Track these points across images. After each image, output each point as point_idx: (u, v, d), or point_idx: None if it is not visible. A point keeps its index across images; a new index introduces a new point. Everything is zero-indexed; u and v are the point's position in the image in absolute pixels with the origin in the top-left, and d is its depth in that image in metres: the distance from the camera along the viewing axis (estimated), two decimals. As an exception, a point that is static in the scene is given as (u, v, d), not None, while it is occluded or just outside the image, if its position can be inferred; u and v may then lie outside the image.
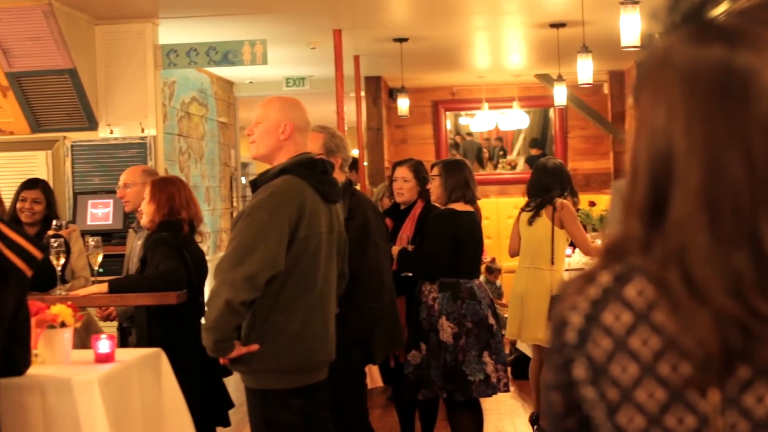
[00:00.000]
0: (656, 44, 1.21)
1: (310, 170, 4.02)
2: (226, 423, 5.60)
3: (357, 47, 10.57)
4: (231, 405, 5.53)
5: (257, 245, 3.82)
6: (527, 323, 6.78)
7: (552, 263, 6.83)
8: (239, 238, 3.87)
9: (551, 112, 14.41)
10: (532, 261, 6.87)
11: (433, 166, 6.18)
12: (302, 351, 3.97)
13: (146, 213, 5.30)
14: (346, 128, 9.22)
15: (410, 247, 6.03)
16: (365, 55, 11.08)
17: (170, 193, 5.32)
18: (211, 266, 5.43)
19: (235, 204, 12.83)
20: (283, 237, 3.86)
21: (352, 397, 5.05)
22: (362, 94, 12.11)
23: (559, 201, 6.82)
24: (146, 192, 5.35)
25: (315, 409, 4.04)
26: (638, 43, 6.94)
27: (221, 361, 4.01)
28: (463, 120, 14.85)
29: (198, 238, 5.46)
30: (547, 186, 6.83)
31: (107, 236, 7.22)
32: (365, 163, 12.77)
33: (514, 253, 7.04)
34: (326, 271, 4.05)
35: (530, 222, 6.85)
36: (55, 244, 5.11)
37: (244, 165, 15.91)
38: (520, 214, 7.00)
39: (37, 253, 3.29)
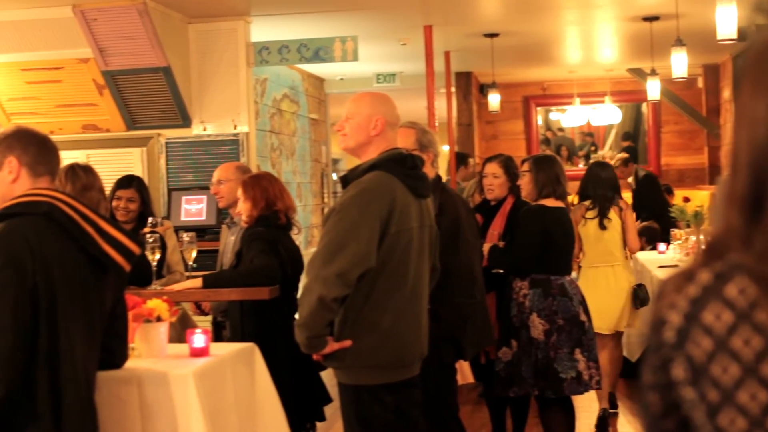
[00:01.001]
0: (757, 36, 1.18)
1: (400, 166, 4.02)
2: (321, 418, 5.63)
3: (448, 43, 10.56)
4: (328, 400, 5.55)
5: (348, 242, 3.83)
6: (603, 315, 7.14)
7: (625, 258, 7.48)
8: (330, 235, 3.88)
9: (644, 107, 14.23)
10: (606, 259, 7.33)
11: (523, 162, 6.14)
12: (394, 347, 3.97)
13: (244, 211, 5.36)
14: (436, 124, 9.21)
15: (501, 244, 6.00)
16: (456, 50, 11.06)
17: (263, 187, 5.37)
18: (304, 261, 5.48)
19: (326, 200, 12.89)
20: (374, 233, 3.87)
21: (443, 393, 5.04)
22: (453, 89, 12.08)
23: (622, 201, 7.44)
24: (239, 192, 5.40)
25: (407, 405, 4.04)
26: (734, 36, 6.82)
27: (314, 357, 4.03)
28: (554, 115, 14.74)
29: (294, 231, 5.51)
30: (601, 191, 7.32)
31: (201, 232, 7.31)
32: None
33: (575, 254, 7.15)
34: (418, 267, 4.04)
35: (601, 224, 7.25)
36: (151, 240, 5.19)
37: (335, 161, 15.99)
38: (577, 215, 7.22)
39: (135, 248, 3.35)
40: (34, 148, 3.35)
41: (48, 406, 3.11)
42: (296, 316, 4.12)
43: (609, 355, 7.47)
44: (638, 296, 7.29)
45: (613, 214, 7.29)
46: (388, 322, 3.93)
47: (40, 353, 3.10)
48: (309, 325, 3.86)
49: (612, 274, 7.34)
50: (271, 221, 5.30)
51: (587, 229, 7.30)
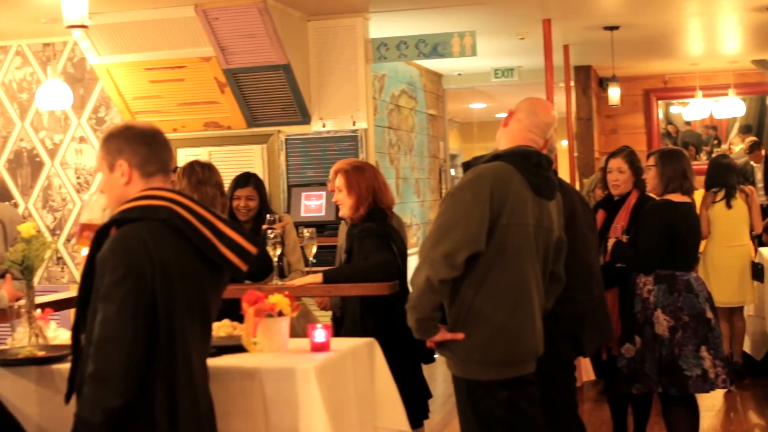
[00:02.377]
0: None
1: (524, 160, 3.99)
2: (427, 413, 5.62)
3: (566, 36, 10.45)
4: (429, 395, 5.56)
5: (457, 224, 3.83)
6: (726, 289, 8.32)
7: (750, 239, 8.54)
8: (441, 219, 3.91)
9: (768, 99, 13.90)
10: (730, 239, 8.40)
11: (649, 156, 6.03)
12: (507, 342, 3.93)
13: (347, 206, 5.34)
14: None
15: (624, 238, 5.90)
16: (575, 44, 10.94)
17: (369, 181, 5.36)
18: (417, 258, 5.47)
19: (443, 195, 12.87)
20: (484, 218, 3.85)
21: (562, 390, 4.97)
22: (572, 84, 11.95)
23: (748, 187, 8.58)
24: (341, 183, 5.38)
25: (524, 402, 4.00)
26: None
27: (428, 344, 4.02)
28: (675, 108, 14.48)
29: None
30: (726, 178, 8.43)
31: (320, 228, 7.35)
32: (575, 154, 12.60)
33: (705, 236, 8.29)
34: (531, 263, 4.00)
35: (728, 203, 8.36)
36: (272, 236, 5.24)
37: (453, 157, 15.95)
38: (707, 202, 8.41)
39: (252, 249, 3.32)
40: (144, 148, 3.28)
41: (165, 414, 3.10)
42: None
43: (732, 327, 8.42)
44: (758, 271, 8.07)
45: (738, 198, 8.39)
46: (500, 317, 3.90)
47: (157, 361, 3.10)
48: (417, 307, 3.87)
49: (736, 252, 8.39)
50: (379, 216, 5.29)
51: (714, 210, 8.41)
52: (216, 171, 5.50)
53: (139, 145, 3.28)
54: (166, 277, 3.09)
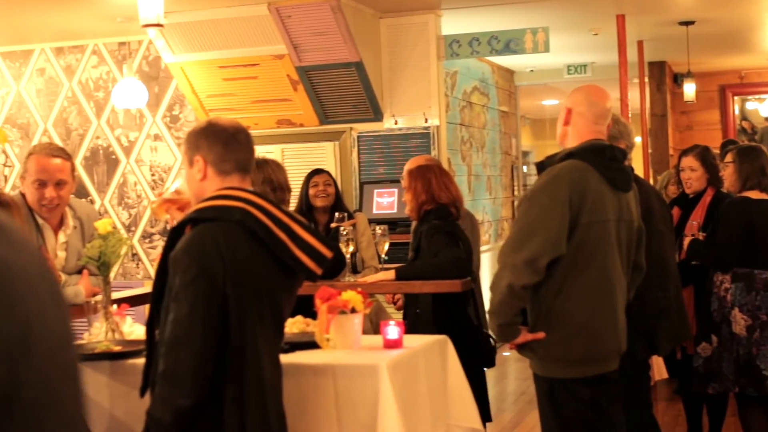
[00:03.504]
0: None
1: (598, 156, 3.95)
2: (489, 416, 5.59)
3: (640, 32, 10.34)
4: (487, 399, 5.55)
5: (537, 229, 3.79)
6: None
7: None
8: (520, 223, 3.87)
9: None
10: None
11: (726, 152, 5.94)
12: (589, 340, 3.90)
13: (407, 204, 5.36)
14: (629, 115, 9.03)
15: (701, 236, 5.81)
16: (649, 39, 10.82)
17: (426, 179, 5.35)
18: (489, 255, 5.45)
19: (516, 193, 12.82)
20: (564, 220, 3.81)
21: (636, 389, 4.93)
22: (646, 80, 11.83)
23: None
24: (404, 182, 5.40)
25: (605, 401, 3.96)
26: None
27: (508, 346, 4.01)
28: (751, 104, 14.25)
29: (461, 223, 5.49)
30: None
31: (392, 225, 7.35)
32: (649, 151, 12.47)
33: None
34: (613, 260, 3.96)
35: None
36: (344, 232, 5.25)
37: (525, 153, 15.87)
38: None
39: (327, 253, 3.30)
40: (220, 146, 3.27)
41: (234, 415, 3.12)
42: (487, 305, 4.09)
43: None
44: None
45: None
46: (581, 315, 3.87)
47: (228, 362, 3.12)
48: (499, 313, 3.85)
49: None
50: (443, 214, 5.28)
51: None
52: (283, 168, 5.51)
53: (216, 142, 3.28)
54: (237, 279, 3.10)
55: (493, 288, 3.88)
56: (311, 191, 5.96)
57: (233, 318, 3.10)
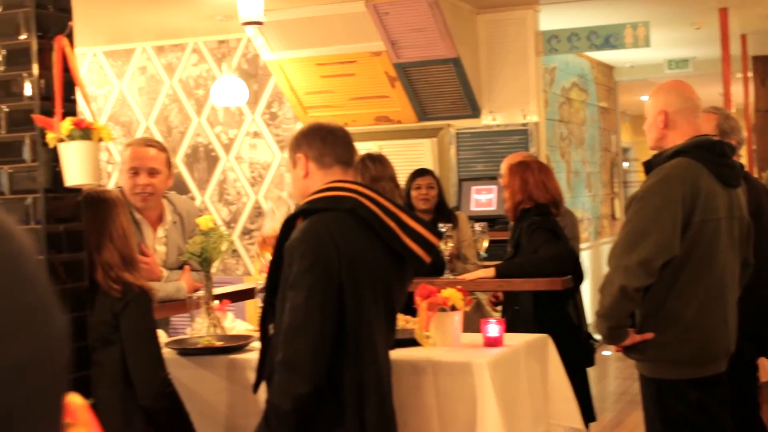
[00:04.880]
0: None
1: (707, 152, 3.87)
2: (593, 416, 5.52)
3: (744, 25, 10.13)
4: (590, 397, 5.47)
5: (650, 230, 3.73)
6: None
7: None
8: (632, 224, 3.80)
9: None
10: None
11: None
12: (698, 341, 3.82)
13: (504, 199, 5.34)
14: (733, 110, 8.85)
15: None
16: (753, 33, 10.60)
17: (524, 178, 5.30)
18: (588, 253, 5.38)
19: (616, 190, 12.66)
20: (677, 220, 3.75)
21: (744, 390, 4.82)
22: (749, 74, 11.58)
23: None
24: (503, 179, 5.37)
25: (713, 403, 3.88)
26: None
27: (615, 348, 3.95)
28: None
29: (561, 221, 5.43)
30: None
31: (491, 222, 7.31)
32: (753, 147, 12.23)
33: None
34: (725, 259, 3.88)
35: None
36: (444, 229, 5.23)
37: (625, 150, 15.68)
38: None
39: (435, 241, 3.36)
40: (318, 141, 3.39)
41: (353, 401, 3.17)
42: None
43: None
44: None
45: None
46: (691, 315, 3.79)
47: (345, 350, 3.16)
48: (610, 315, 3.79)
49: None
50: (543, 211, 5.23)
51: None
52: (388, 164, 5.52)
53: (314, 138, 3.40)
54: (352, 267, 3.15)
55: (603, 290, 3.82)
56: (413, 193, 5.95)
57: (349, 305, 3.15)
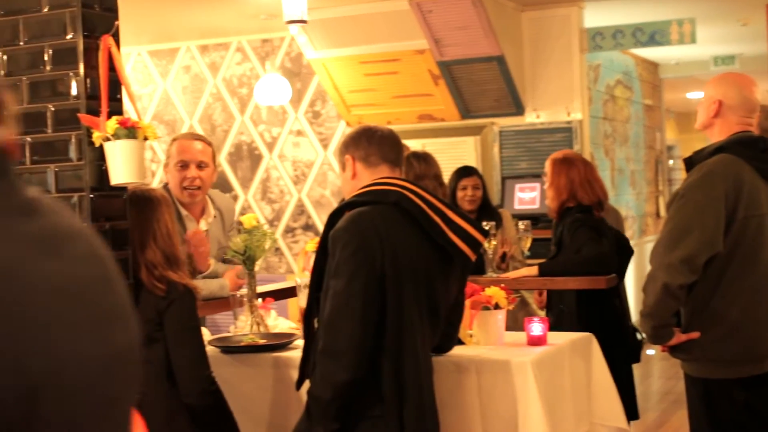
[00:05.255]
0: None
1: (750, 149, 3.83)
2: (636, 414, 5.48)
3: (792, 21, 10.01)
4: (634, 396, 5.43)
5: (693, 227, 3.70)
6: None
7: None
8: (674, 221, 3.76)
9: None
10: None
11: None
12: (744, 340, 3.78)
13: (548, 197, 5.31)
14: (779, 107, 8.75)
15: None
16: (801, 29, 10.47)
17: (569, 176, 5.26)
18: (635, 250, 5.34)
19: (660, 188, 12.57)
20: (720, 217, 3.71)
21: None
22: (797, 71, 11.46)
23: None
24: (547, 177, 5.35)
25: (760, 403, 3.83)
26: None
27: (661, 348, 3.92)
28: None
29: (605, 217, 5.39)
30: None
31: (534, 220, 7.28)
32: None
33: None
34: None
35: None
36: (487, 227, 5.21)
37: (670, 147, 15.57)
38: None
39: (480, 238, 3.35)
40: (364, 141, 3.42)
41: (392, 391, 3.17)
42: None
43: None
44: None
45: None
46: (736, 314, 3.76)
47: (386, 341, 3.17)
48: (654, 314, 3.76)
49: None
50: (586, 209, 5.19)
51: None
52: (434, 162, 5.51)
53: (360, 139, 3.44)
54: (394, 260, 3.16)
55: (647, 289, 3.79)
56: (459, 194, 5.94)
57: (391, 297, 3.16)
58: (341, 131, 9.20)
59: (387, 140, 3.45)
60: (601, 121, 10.19)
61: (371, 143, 3.42)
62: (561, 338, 4.10)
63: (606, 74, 10.47)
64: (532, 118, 8.39)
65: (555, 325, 5.09)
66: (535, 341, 3.94)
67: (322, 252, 3.29)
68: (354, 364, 3.10)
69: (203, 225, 4.82)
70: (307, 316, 3.36)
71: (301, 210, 9.48)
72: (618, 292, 5.36)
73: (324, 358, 3.12)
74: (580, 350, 4.14)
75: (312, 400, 3.16)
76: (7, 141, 1.12)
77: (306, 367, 3.34)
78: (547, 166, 5.41)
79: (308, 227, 9.45)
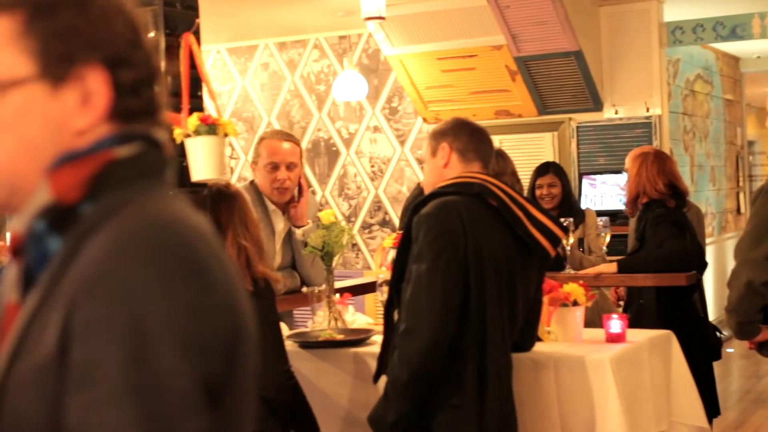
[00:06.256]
0: None
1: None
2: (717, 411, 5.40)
3: None
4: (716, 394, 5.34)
5: None
6: None
7: None
8: (758, 217, 3.72)
9: None
10: None
11: None
12: None
13: (628, 191, 5.27)
14: None
15: None
16: None
17: (639, 172, 5.21)
18: (713, 248, 5.27)
19: (740, 184, 12.39)
20: None
21: None
22: None
23: None
24: (629, 170, 5.31)
25: None
26: None
27: (748, 345, 3.88)
28: None
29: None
30: None
31: (613, 217, 7.22)
32: None
33: None
34: None
35: None
36: (565, 224, 5.19)
37: (750, 143, 15.33)
38: None
39: (560, 233, 3.36)
40: (466, 135, 3.44)
41: (474, 381, 3.18)
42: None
43: None
44: None
45: None
46: None
47: (469, 328, 3.18)
48: (739, 311, 3.73)
49: None
50: (657, 207, 5.14)
51: None
52: (509, 159, 5.49)
53: (462, 132, 3.47)
54: (477, 247, 3.18)
55: (731, 285, 3.76)
56: (536, 192, 5.91)
57: (474, 284, 3.18)
58: (418, 127, 9.21)
59: (487, 140, 3.51)
60: (680, 117, 10.07)
61: (472, 139, 3.45)
62: (640, 335, 4.07)
63: (685, 69, 10.34)
64: (610, 113, 8.31)
65: (635, 323, 5.05)
66: (614, 338, 3.91)
67: (404, 242, 3.31)
68: (433, 345, 3.11)
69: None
70: (388, 309, 3.38)
71: (377, 206, 9.51)
72: (698, 288, 5.30)
73: (404, 340, 3.13)
74: (660, 347, 4.10)
75: (389, 382, 3.18)
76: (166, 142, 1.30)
77: (385, 361, 3.35)
78: (628, 162, 5.37)
79: (385, 223, 9.48)
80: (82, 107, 1.23)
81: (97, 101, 1.23)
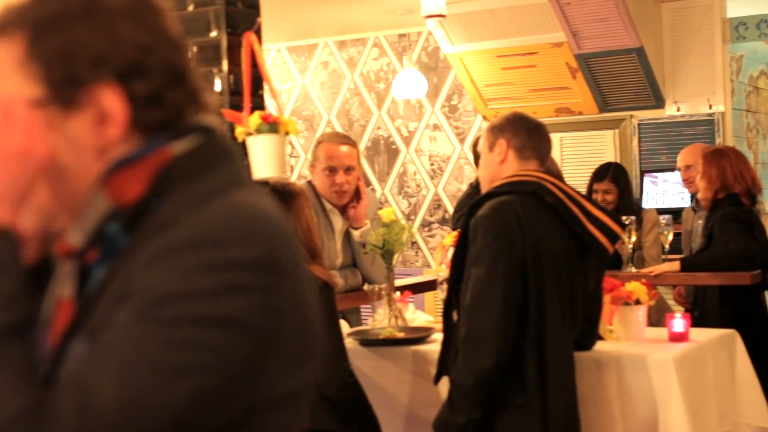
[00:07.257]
0: None
1: None
2: None
3: None
4: None
5: None
6: None
7: None
8: None
9: None
10: None
11: None
12: None
13: (700, 189, 5.22)
14: None
15: None
16: None
17: (721, 167, 5.16)
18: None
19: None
20: None
21: None
22: None
23: None
24: (699, 166, 5.25)
25: None
26: None
27: None
28: None
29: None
30: None
31: (675, 215, 7.16)
32: None
33: None
34: None
35: None
36: (627, 222, 5.15)
37: (816, 141, 15.10)
38: None
39: (618, 230, 3.34)
40: (525, 133, 3.42)
41: (536, 381, 3.18)
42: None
43: None
44: None
45: None
46: None
47: (529, 328, 3.17)
48: None
49: None
50: (736, 202, 5.08)
51: None
52: (554, 162, 5.47)
53: (521, 129, 3.44)
54: (535, 249, 3.17)
55: None
56: (592, 196, 5.88)
57: (532, 284, 3.17)
58: (478, 125, 9.18)
59: (545, 138, 3.49)
60: (743, 114, 9.94)
61: (531, 137, 3.43)
62: (704, 335, 4.03)
63: (749, 65, 10.21)
64: (672, 110, 8.23)
65: (698, 322, 5.00)
66: (677, 338, 3.88)
67: (461, 242, 3.31)
68: (497, 349, 3.11)
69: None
70: (447, 308, 3.38)
71: (437, 204, 9.50)
72: (765, 287, 5.24)
73: (466, 344, 3.13)
74: (724, 347, 4.06)
75: (454, 387, 3.18)
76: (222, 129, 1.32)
77: (445, 361, 3.35)
78: (694, 158, 5.32)
79: (444, 221, 9.46)
80: (101, 126, 1.22)
81: (113, 119, 1.22)
